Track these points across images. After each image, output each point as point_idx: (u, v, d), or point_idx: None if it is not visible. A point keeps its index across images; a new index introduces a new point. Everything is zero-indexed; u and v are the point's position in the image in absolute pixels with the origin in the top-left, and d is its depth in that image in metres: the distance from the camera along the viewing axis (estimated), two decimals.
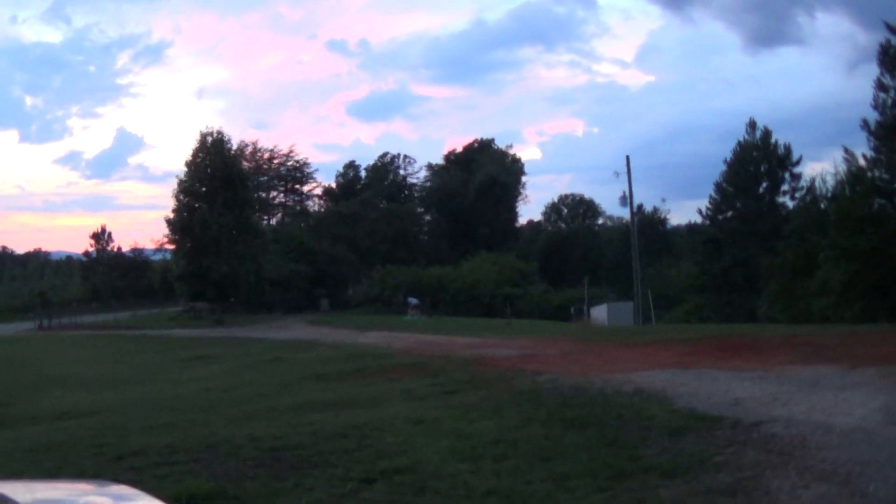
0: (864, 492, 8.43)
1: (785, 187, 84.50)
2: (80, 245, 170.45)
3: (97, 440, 14.01)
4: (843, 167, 60.42)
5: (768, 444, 10.83)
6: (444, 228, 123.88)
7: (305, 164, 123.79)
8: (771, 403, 13.63)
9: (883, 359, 18.14)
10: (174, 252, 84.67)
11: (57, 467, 11.81)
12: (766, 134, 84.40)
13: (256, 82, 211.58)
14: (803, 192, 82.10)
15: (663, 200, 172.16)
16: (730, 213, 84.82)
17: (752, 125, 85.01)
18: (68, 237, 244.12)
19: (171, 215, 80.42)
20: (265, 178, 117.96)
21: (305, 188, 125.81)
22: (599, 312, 68.62)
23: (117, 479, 9.56)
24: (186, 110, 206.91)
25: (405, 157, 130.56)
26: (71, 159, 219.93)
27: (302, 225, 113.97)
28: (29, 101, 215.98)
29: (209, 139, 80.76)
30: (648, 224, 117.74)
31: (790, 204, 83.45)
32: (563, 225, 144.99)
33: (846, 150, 59.52)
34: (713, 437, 11.55)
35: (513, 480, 9.72)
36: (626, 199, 68.56)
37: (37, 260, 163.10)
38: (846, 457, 9.71)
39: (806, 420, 12.03)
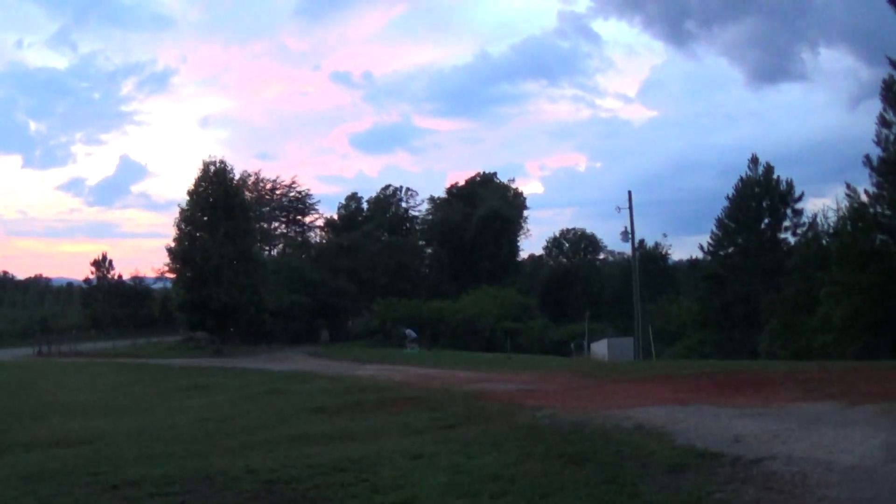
0: None
1: (787, 223, 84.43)
2: (81, 272, 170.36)
3: (92, 469, 13.93)
4: (845, 203, 60.39)
5: (769, 482, 10.79)
6: (446, 261, 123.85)
7: (308, 195, 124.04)
8: (771, 440, 13.58)
9: (884, 395, 18.14)
10: (174, 281, 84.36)
11: (51, 495, 11.78)
12: (769, 169, 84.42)
13: (260, 112, 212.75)
14: (805, 227, 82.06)
15: (665, 236, 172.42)
16: (731, 249, 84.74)
17: (754, 161, 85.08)
18: (69, 263, 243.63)
19: (173, 244, 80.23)
20: (267, 208, 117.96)
21: (307, 219, 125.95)
22: (600, 347, 68.42)
23: None
24: (190, 139, 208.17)
25: (407, 189, 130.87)
26: (74, 186, 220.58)
27: (303, 256, 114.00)
28: (33, 126, 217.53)
29: (212, 168, 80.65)
30: (650, 259, 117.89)
31: (792, 240, 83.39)
32: (564, 259, 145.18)
33: (848, 186, 59.49)
34: (713, 474, 11.49)
35: None
36: (628, 234, 68.57)
37: (37, 286, 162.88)
38: (847, 494, 9.66)
39: (806, 457, 11.99)
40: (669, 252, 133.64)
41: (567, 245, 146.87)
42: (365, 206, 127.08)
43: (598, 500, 10.23)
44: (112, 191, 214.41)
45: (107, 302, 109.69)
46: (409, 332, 71.63)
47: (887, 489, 9.67)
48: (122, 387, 41.93)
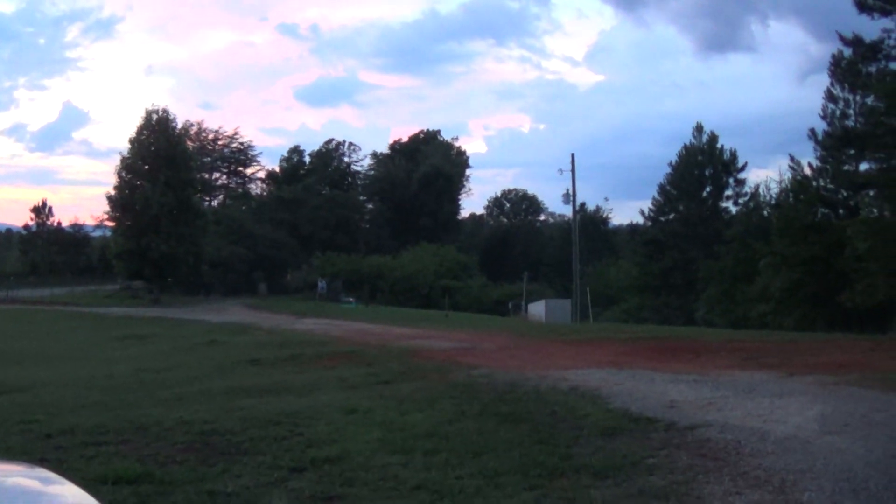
0: (799, 501, 8.44)
1: (728, 192, 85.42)
2: (20, 218, 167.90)
3: (27, 417, 13.84)
4: (788, 175, 61.31)
5: (702, 449, 10.82)
6: (386, 218, 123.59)
7: (250, 146, 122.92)
8: (706, 407, 13.67)
9: (820, 367, 18.35)
10: (114, 229, 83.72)
11: None
12: (713, 139, 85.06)
13: (205, 62, 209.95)
14: (747, 198, 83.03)
15: (606, 199, 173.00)
16: (672, 216, 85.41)
17: (698, 129, 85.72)
18: (9, 209, 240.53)
19: (113, 192, 79.77)
20: (208, 158, 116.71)
21: (249, 171, 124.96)
22: (537, 308, 68.57)
23: (44, 460, 9.50)
24: (134, 87, 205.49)
25: (350, 144, 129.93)
26: (15, 131, 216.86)
27: (243, 208, 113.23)
28: None
29: (154, 117, 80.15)
30: (590, 222, 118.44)
31: (733, 209, 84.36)
32: (505, 220, 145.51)
33: (792, 159, 60.32)
34: (647, 439, 11.52)
35: (443, 475, 9.68)
36: (569, 197, 68.65)
37: None
38: (781, 464, 9.73)
39: (741, 426, 12.06)
40: (610, 216, 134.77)
41: (508, 205, 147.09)
42: (307, 159, 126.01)
43: (530, 461, 10.27)
44: (54, 137, 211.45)
45: (45, 249, 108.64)
46: (321, 284, 70.62)
47: (821, 460, 9.75)
48: (59, 335, 41.75)
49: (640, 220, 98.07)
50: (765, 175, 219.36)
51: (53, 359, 29.57)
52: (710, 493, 8.89)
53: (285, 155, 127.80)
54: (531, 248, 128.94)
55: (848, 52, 50.18)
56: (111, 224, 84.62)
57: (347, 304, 73.87)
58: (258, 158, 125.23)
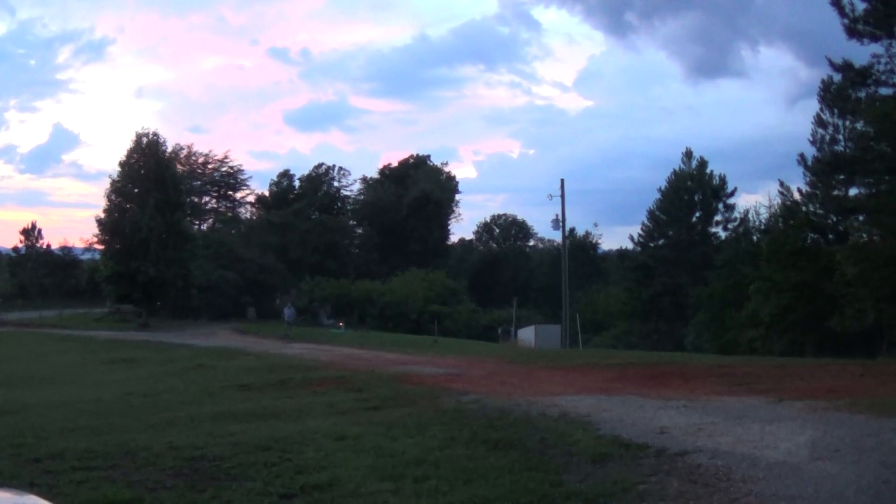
0: None
1: (718, 218, 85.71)
2: (9, 240, 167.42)
3: (16, 440, 13.84)
4: (777, 200, 61.55)
5: (693, 475, 10.82)
6: (376, 242, 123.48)
7: (240, 170, 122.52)
8: (697, 433, 13.67)
9: (810, 393, 18.35)
10: (103, 252, 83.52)
11: None
12: (702, 164, 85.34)
13: (195, 85, 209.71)
14: (736, 223, 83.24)
15: (595, 225, 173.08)
16: (661, 241, 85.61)
17: (688, 154, 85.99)
18: None
19: (102, 215, 79.51)
20: (198, 182, 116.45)
21: (238, 195, 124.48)
22: (527, 334, 68.70)
23: (34, 484, 9.46)
24: (124, 109, 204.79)
25: (340, 168, 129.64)
26: (5, 153, 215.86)
27: (233, 232, 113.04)
28: None
29: (144, 140, 80.00)
30: (580, 248, 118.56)
31: (722, 234, 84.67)
32: (494, 245, 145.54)
33: (782, 184, 60.54)
34: (637, 466, 11.53)
35: (433, 502, 9.66)
36: (559, 222, 68.67)
37: None
38: (772, 490, 9.73)
39: (731, 452, 12.07)
40: (599, 241, 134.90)
41: (498, 231, 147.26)
42: (297, 183, 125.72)
43: (521, 488, 10.26)
44: (44, 159, 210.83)
45: (34, 271, 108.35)
46: (287, 311, 67.97)
47: (812, 486, 9.76)
48: (47, 358, 41.62)
49: (629, 245, 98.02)
50: (754, 200, 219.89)
51: (41, 382, 29.48)
52: None
53: (275, 179, 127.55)
54: (520, 274, 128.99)
55: (837, 77, 50.50)
56: (100, 247, 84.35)
57: (336, 329, 73.58)
58: (248, 182, 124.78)
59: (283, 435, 14.20)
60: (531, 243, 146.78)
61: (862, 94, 48.13)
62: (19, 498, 4.02)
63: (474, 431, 14.37)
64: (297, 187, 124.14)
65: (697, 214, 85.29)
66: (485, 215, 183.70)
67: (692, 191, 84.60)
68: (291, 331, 61.11)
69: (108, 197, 79.61)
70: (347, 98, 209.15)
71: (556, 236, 79.42)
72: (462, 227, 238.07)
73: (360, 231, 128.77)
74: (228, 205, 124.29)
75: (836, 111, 54.26)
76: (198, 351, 44.01)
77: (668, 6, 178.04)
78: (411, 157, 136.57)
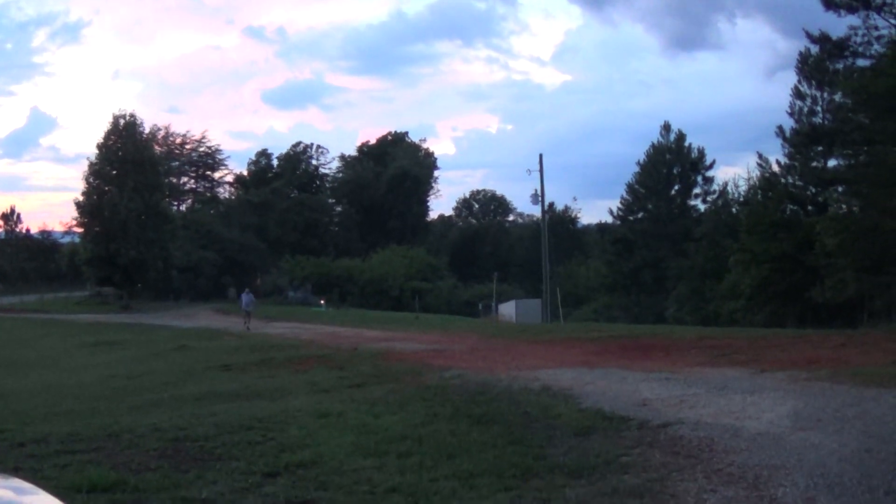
0: (773, 496, 8.47)
1: (697, 190, 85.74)
2: None
3: None
4: (756, 172, 61.72)
5: (675, 446, 10.88)
6: (355, 220, 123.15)
7: (217, 150, 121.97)
8: (679, 405, 13.73)
9: (791, 363, 18.41)
10: (82, 235, 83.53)
11: None
12: (681, 137, 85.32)
13: (172, 66, 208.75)
14: (715, 195, 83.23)
15: (575, 199, 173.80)
16: (641, 214, 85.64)
17: (666, 128, 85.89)
18: None
19: (81, 198, 79.44)
20: (176, 163, 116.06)
21: (217, 175, 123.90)
22: (507, 309, 68.56)
23: (18, 469, 9.43)
24: (101, 92, 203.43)
25: (318, 147, 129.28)
26: None
27: (212, 212, 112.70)
28: None
29: (121, 122, 79.82)
30: (559, 222, 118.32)
31: (702, 207, 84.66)
32: (473, 220, 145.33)
33: (760, 156, 60.80)
34: (620, 438, 11.59)
35: (417, 477, 9.68)
36: (538, 197, 68.52)
37: None
38: (754, 461, 9.77)
39: (714, 423, 12.13)
40: (579, 215, 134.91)
41: (477, 206, 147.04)
42: (275, 162, 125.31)
43: (504, 462, 10.28)
44: (21, 143, 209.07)
45: (14, 256, 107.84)
46: (244, 297, 54.61)
47: (794, 456, 9.79)
48: (29, 342, 41.59)
49: (608, 219, 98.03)
50: (733, 172, 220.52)
51: (24, 366, 29.46)
52: (684, 491, 8.91)
53: (253, 158, 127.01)
54: (500, 249, 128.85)
55: (815, 49, 50.52)
56: (80, 230, 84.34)
57: (318, 308, 73.56)
58: (226, 162, 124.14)
59: (266, 414, 14.21)
60: (511, 218, 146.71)
61: (840, 66, 48.16)
62: (4, 480, 4.01)
63: (457, 407, 14.41)
64: (275, 166, 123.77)
65: (676, 187, 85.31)
66: (464, 191, 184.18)
67: (671, 164, 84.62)
68: (251, 322, 49.68)
69: (87, 180, 79.58)
70: (324, 76, 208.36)
71: (536, 211, 79.46)
72: (441, 204, 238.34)
73: (339, 209, 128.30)
74: (207, 185, 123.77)
75: (814, 83, 54.44)
76: (179, 332, 43.99)
77: None
78: (389, 134, 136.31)
